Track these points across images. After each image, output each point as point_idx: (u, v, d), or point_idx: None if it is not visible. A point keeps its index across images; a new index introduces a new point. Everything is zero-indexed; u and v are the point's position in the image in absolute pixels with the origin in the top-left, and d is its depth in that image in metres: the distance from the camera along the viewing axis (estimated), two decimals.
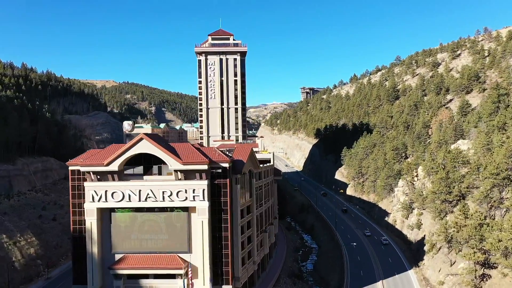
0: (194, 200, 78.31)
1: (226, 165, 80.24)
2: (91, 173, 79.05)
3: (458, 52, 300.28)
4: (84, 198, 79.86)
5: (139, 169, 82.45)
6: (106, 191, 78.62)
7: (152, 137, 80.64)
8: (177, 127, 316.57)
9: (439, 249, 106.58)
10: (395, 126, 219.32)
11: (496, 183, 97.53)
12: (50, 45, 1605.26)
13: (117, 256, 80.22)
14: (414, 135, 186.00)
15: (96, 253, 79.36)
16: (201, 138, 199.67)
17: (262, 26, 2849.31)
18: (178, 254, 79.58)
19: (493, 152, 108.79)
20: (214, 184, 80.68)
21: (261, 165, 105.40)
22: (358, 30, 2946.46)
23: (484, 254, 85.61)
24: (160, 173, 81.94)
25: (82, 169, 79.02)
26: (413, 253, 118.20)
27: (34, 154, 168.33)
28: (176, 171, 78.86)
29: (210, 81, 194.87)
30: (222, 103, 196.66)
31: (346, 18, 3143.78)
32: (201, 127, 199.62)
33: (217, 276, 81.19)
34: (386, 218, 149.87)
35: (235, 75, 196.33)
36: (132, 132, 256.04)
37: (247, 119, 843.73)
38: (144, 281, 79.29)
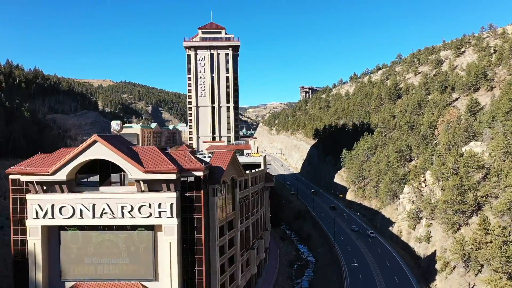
0: (160, 216, 63.27)
1: (200, 173, 65.10)
2: (34, 183, 63.88)
3: (463, 49, 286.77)
4: (27, 213, 64.70)
5: (96, 178, 67.44)
6: (53, 206, 63.61)
7: (109, 139, 65.38)
8: (171, 127, 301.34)
9: (454, 268, 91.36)
10: (398, 126, 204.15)
11: None
12: (49, 46, 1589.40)
13: (68, 284, 65.31)
14: (419, 136, 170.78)
15: (41, 281, 64.37)
16: (191, 139, 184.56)
17: (262, 26, 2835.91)
18: (141, 282, 64.62)
19: None
20: (185, 196, 65.55)
21: (248, 171, 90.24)
22: (358, 29, 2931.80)
23: None
24: (123, 183, 66.84)
25: (23, 178, 63.86)
26: (422, 271, 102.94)
27: (8, 156, 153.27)
28: (138, 181, 63.72)
29: (200, 77, 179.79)
30: (213, 102, 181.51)
31: (346, 16, 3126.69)
32: (190, 127, 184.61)
33: None
34: (390, 228, 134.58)
35: (227, 71, 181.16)
36: (121, 132, 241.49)
37: (246, 119, 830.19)
38: None
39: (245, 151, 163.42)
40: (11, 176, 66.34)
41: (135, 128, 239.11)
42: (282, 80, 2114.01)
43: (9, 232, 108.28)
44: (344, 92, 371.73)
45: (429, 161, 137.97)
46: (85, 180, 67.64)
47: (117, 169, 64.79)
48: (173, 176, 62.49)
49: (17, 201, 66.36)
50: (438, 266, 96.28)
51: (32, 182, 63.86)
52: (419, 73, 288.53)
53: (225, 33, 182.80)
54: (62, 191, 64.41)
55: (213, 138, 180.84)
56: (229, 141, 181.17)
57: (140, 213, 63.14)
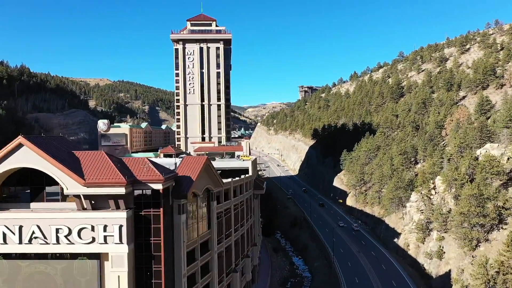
0: (106, 242, 48.30)
1: (159, 186, 50.01)
2: None
3: (467, 46, 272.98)
4: None
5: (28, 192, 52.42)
6: None
7: (41, 142, 50.02)
8: (164, 126, 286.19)
9: None
10: (402, 126, 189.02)
11: None
12: (47, 45, 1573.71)
13: None
14: (426, 136, 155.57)
15: None
16: (178, 139, 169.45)
17: (262, 25, 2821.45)
18: None
19: None
20: (140, 216, 50.53)
21: (230, 179, 75.08)
22: (358, 27, 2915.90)
23: None
24: (63, 198, 51.70)
25: None
26: None
27: None
28: (77, 196, 48.65)
29: (189, 73, 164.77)
30: (202, 99, 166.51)
31: (346, 15, 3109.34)
32: (178, 127, 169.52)
33: None
34: (395, 240, 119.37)
35: (218, 67, 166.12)
36: (108, 132, 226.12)
37: (245, 119, 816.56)
38: None
39: (236, 153, 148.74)
40: None
41: (123, 127, 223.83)
42: (281, 80, 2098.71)
43: None
44: (344, 91, 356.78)
45: (438, 165, 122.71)
46: (19, 193, 52.61)
47: (54, 180, 49.73)
48: (121, 190, 47.43)
49: None
50: None
51: None
52: (422, 71, 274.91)
53: (216, 26, 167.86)
54: None
55: (203, 139, 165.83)
56: (220, 142, 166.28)
57: (80, 237, 48.16)
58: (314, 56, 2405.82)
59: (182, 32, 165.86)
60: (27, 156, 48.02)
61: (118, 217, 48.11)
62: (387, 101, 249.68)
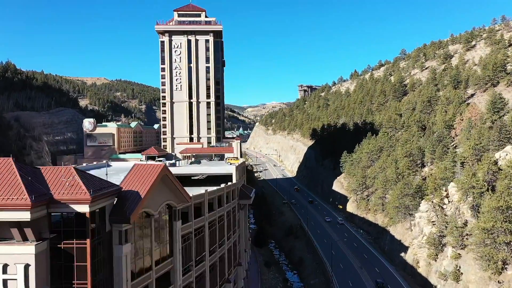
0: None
1: (85, 208, 35.19)
2: None
3: (473, 43, 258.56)
4: None
5: None
6: None
7: None
8: (156, 126, 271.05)
9: None
10: (407, 126, 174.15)
11: None
12: (46, 44, 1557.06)
13: None
14: (434, 137, 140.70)
15: None
16: (164, 140, 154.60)
17: (262, 25, 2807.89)
18: None
19: None
20: (58, 250, 35.74)
21: (205, 190, 60.25)
22: (358, 26, 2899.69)
23: None
24: None
25: None
26: None
27: None
28: None
29: (176, 68, 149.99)
30: (190, 96, 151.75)
31: (347, 13, 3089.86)
32: (164, 126, 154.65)
33: None
34: (402, 254, 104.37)
35: (207, 61, 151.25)
36: (94, 132, 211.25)
37: (244, 118, 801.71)
38: None
39: (226, 155, 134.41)
40: None
41: (111, 127, 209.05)
42: (282, 80, 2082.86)
43: None
44: (344, 90, 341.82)
45: (450, 170, 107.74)
46: None
47: None
48: (26, 214, 32.69)
49: None
50: None
51: None
52: (426, 68, 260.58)
53: (206, 16, 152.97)
54: None
55: (191, 139, 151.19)
56: (209, 142, 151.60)
57: None
58: (314, 56, 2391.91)
59: (169, 24, 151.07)
60: None
61: (23, 253, 33.47)
62: (389, 99, 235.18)
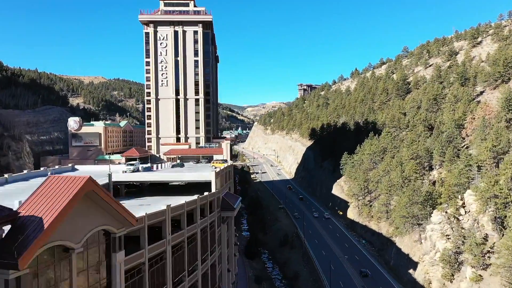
0: None
1: None
2: None
3: (479, 39, 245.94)
4: None
5: None
6: None
7: None
8: None
9: None
10: (412, 125, 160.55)
11: None
12: (44, 43, 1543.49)
13: None
14: (443, 137, 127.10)
15: None
16: (149, 140, 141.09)
17: (263, 24, 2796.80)
18: None
19: None
20: None
21: (164, 207, 46.60)
22: (359, 24, 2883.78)
23: None
24: None
25: None
26: None
27: None
28: None
29: (161, 61, 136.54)
30: (177, 93, 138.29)
31: (347, 11, 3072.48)
32: (148, 125, 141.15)
33: None
34: (410, 271, 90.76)
35: (196, 54, 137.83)
36: (80, 131, 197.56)
37: (243, 118, 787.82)
38: None
39: (215, 157, 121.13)
40: None
41: (97, 126, 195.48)
42: (282, 79, 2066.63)
43: None
44: (344, 88, 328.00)
45: (465, 174, 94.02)
46: None
47: None
48: None
49: None
50: None
51: None
52: (430, 65, 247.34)
53: (194, 6, 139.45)
54: None
55: (178, 139, 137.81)
56: (197, 143, 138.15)
57: None
58: (314, 55, 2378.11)
59: (154, 14, 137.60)
60: None
61: None
62: (392, 97, 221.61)
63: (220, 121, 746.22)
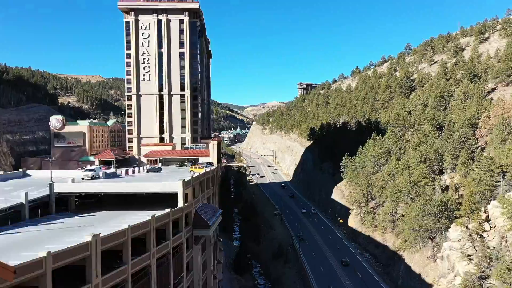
0: None
1: None
2: None
3: (486, 35, 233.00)
4: None
5: None
6: None
7: None
8: None
9: None
10: (418, 124, 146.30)
11: None
12: (41, 42, 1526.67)
13: None
14: (456, 138, 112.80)
15: None
16: (130, 140, 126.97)
17: (263, 23, 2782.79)
18: None
19: None
20: None
21: (89, 237, 32.33)
22: (359, 22, 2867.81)
23: None
24: None
25: None
26: None
27: None
28: None
29: (143, 53, 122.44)
30: (161, 88, 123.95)
31: (347, 9, 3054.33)
32: (129, 124, 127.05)
33: None
34: None
35: (182, 46, 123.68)
36: (63, 131, 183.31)
37: (243, 118, 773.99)
38: None
39: (201, 159, 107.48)
40: None
41: (81, 125, 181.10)
42: (282, 79, 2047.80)
43: None
44: (345, 87, 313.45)
45: (486, 181, 79.66)
46: None
47: None
48: None
49: None
50: None
51: None
52: (435, 62, 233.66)
53: None
54: None
55: (161, 140, 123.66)
56: (183, 143, 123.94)
57: None
58: (314, 55, 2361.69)
59: (136, 0, 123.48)
60: None
61: None
62: (395, 95, 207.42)
63: (218, 120, 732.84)
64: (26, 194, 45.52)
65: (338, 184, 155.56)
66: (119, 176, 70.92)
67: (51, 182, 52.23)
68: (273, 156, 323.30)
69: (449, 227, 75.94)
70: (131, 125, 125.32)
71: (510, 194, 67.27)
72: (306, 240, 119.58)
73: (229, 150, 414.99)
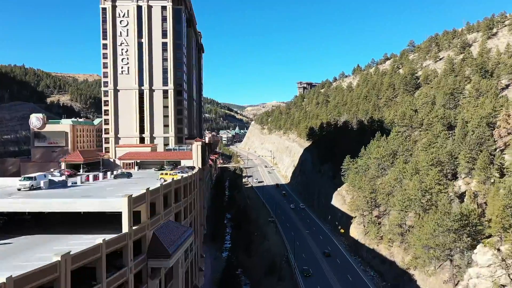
0: None
1: None
2: None
3: (494, 30, 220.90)
4: None
5: None
6: None
7: None
8: None
9: None
10: (427, 124, 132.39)
11: None
12: (42, 42, 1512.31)
13: None
14: (473, 139, 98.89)
15: None
16: (106, 141, 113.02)
17: (263, 23, 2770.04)
18: None
19: None
20: None
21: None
22: (360, 20, 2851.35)
23: None
24: None
25: None
26: None
27: None
28: None
29: (121, 43, 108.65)
30: (141, 83, 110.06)
31: (347, 7, 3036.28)
32: (106, 122, 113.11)
33: None
34: None
35: (164, 35, 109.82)
36: (43, 130, 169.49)
37: (242, 117, 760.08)
38: None
39: (183, 162, 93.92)
40: None
41: (64, 124, 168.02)
42: (282, 78, 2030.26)
43: None
44: (346, 85, 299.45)
45: (508, 187, 65.48)
46: None
47: None
48: None
49: None
50: None
51: None
52: (440, 59, 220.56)
53: None
54: None
55: (141, 140, 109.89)
56: (166, 144, 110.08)
57: None
58: (315, 54, 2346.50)
59: None
60: None
61: None
62: (399, 93, 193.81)
63: (217, 120, 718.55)
64: None
65: (338, 189, 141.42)
66: (67, 186, 57.13)
67: None
68: (271, 156, 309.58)
69: (473, 247, 61.96)
70: (108, 124, 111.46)
71: None
72: (303, 253, 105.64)
73: (227, 150, 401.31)
